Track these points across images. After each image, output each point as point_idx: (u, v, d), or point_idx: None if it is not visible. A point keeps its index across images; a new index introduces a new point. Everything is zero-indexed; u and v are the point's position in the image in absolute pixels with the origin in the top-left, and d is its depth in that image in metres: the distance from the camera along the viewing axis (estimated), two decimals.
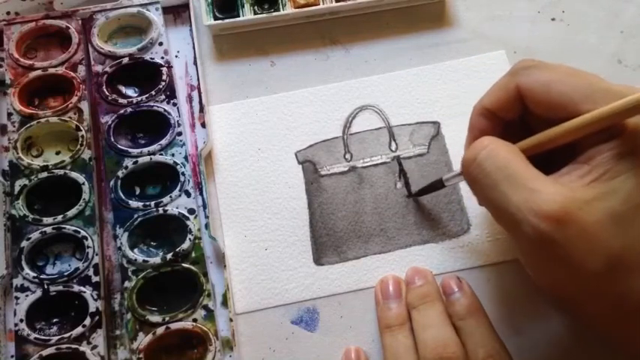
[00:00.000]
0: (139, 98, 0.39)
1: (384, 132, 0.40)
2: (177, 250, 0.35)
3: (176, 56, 0.41)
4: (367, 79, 0.41)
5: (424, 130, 0.40)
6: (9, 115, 0.38)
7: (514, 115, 0.31)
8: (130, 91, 0.40)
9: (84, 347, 0.33)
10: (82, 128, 0.38)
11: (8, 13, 0.41)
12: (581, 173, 0.27)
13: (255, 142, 0.40)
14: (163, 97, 0.39)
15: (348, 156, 0.39)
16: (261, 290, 0.36)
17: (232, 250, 0.37)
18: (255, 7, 0.41)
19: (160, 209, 0.36)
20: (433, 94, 0.40)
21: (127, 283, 0.35)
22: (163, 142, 0.38)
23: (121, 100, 0.39)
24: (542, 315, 0.35)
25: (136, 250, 0.36)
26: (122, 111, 0.38)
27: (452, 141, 0.39)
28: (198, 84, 0.40)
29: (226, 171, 0.39)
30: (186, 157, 0.38)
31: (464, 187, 0.38)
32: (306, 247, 0.37)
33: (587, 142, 0.27)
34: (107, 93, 0.39)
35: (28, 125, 0.38)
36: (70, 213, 0.36)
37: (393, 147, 0.39)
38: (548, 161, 0.29)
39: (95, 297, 0.34)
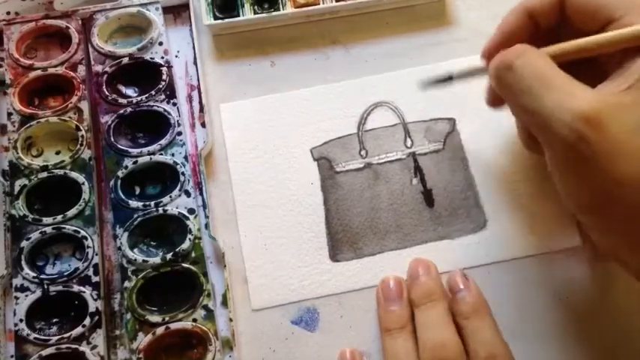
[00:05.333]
0: (139, 98, 0.39)
1: (399, 128, 0.40)
2: (177, 250, 0.35)
3: (176, 56, 0.41)
4: (382, 75, 0.41)
5: (439, 127, 0.39)
6: (9, 115, 0.38)
7: (551, 22, 0.31)
8: (130, 91, 0.40)
9: (84, 347, 0.33)
10: (82, 128, 0.38)
11: (8, 13, 0.41)
12: (617, 83, 0.27)
13: (270, 138, 0.39)
14: (163, 97, 0.39)
15: (363, 152, 0.39)
16: (277, 286, 0.36)
17: (248, 246, 0.37)
18: (255, 7, 0.41)
19: (160, 209, 0.36)
20: (448, 91, 0.40)
21: (126, 283, 0.35)
22: (163, 142, 0.38)
23: (121, 100, 0.39)
24: (546, 315, 0.35)
25: (135, 250, 0.36)
26: (122, 111, 0.38)
27: (467, 137, 0.39)
28: (198, 84, 0.40)
29: (241, 168, 0.39)
30: (186, 157, 0.38)
31: (480, 183, 0.38)
32: (322, 244, 0.37)
33: (626, 57, 0.27)
34: (107, 93, 0.39)
35: (28, 125, 0.38)
36: (70, 213, 0.36)
37: (409, 143, 0.39)
38: None
39: (95, 297, 0.34)
